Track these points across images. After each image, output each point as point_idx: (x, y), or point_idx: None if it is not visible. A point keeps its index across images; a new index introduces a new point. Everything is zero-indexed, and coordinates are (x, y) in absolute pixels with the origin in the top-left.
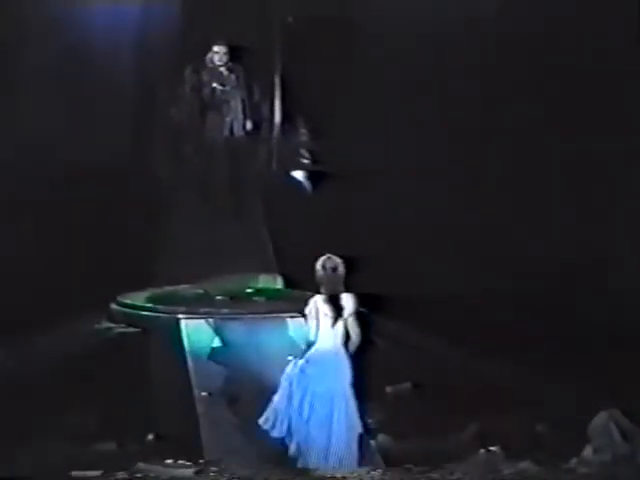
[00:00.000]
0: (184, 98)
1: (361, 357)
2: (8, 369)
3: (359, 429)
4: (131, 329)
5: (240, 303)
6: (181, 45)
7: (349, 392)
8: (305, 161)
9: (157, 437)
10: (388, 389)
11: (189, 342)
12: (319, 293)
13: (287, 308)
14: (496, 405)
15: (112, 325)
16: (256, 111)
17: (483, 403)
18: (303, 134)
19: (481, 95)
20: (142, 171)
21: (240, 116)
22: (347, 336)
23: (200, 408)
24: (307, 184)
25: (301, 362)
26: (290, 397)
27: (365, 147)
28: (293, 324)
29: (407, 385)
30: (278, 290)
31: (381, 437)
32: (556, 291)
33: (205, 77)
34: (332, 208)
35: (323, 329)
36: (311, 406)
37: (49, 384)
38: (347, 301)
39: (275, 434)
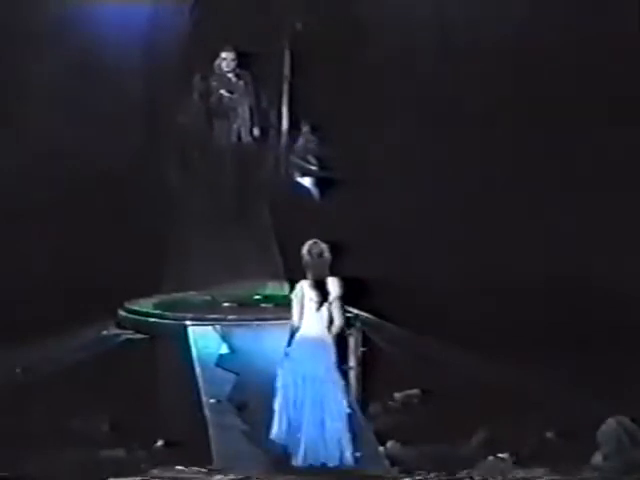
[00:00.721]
0: (192, 105)
1: (370, 363)
2: (16, 375)
3: (347, 409)
4: (139, 335)
5: (248, 310)
6: (189, 52)
7: (335, 374)
8: (313, 168)
9: (166, 444)
10: (397, 395)
11: (197, 349)
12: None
13: None
14: (505, 412)
15: (120, 331)
16: (264, 117)
17: (492, 410)
18: (311, 140)
19: (491, 105)
20: (150, 178)
21: (248, 123)
22: (331, 320)
23: (209, 415)
24: (315, 191)
25: (288, 350)
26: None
27: (374, 153)
28: None
29: (416, 391)
30: (286, 297)
31: (390, 444)
32: (565, 296)
33: (213, 84)
34: (340, 215)
35: (308, 313)
36: (299, 390)
37: (58, 390)
38: (333, 286)
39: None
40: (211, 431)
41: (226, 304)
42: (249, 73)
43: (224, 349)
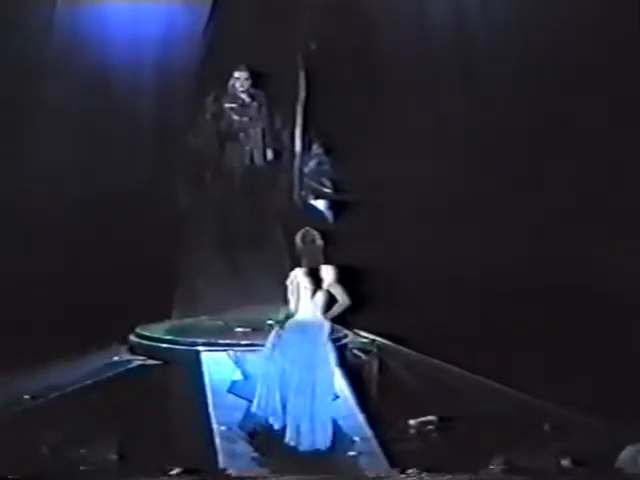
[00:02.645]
0: (204, 126)
1: (384, 389)
2: (25, 402)
3: (337, 394)
4: (151, 361)
5: (261, 335)
6: (202, 72)
7: (330, 359)
8: (327, 190)
9: (176, 472)
10: (412, 422)
11: (209, 375)
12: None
13: None
14: (522, 439)
15: (132, 357)
16: (277, 139)
17: (509, 437)
18: (325, 163)
19: (509, 126)
20: (161, 200)
21: (260, 144)
22: (329, 306)
23: (219, 442)
24: (329, 214)
25: (282, 333)
26: (273, 368)
27: (389, 176)
28: None
29: (432, 418)
30: None
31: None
32: (585, 324)
33: (226, 104)
34: (355, 238)
35: (303, 301)
36: (288, 374)
37: (67, 417)
38: (326, 273)
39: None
40: (221, 459)
41: (239, 329)
42: (263, 93)
43: (237, 375)
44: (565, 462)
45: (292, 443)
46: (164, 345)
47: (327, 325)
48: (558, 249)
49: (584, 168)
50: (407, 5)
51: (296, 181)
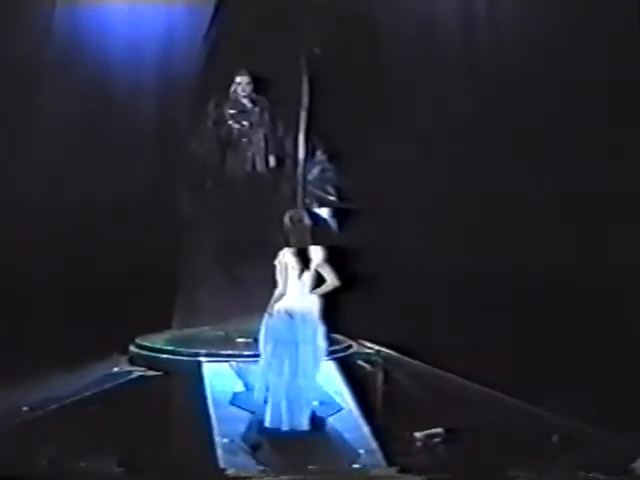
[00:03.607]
0: (206, 133)
1: (389, 400)
2: (23, 414)
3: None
4: (151, 372)
5: None
6: (204, 78)
7: (318, 339)
8: (331, 198)
9: None
10: (418, 435)
11: (211, 386)
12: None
13: None
14: (531, 451)
15: (132, 368)
16: (280, 146)
17: (518, 449)
18: (328, 170)
19: (516, 132)
20: (162, 208)
21: (263, 151)
22: (318, 286)
23: (222, 455)
24: (333, 222)
25: (271, 312)
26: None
27: (394, 183)
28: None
29: (439, 430)
30: None
31: None
32: (594, 334)
33: (227, 110)
34: (359, 247)
35: (291, 281)
36: (279, 354)
37: (66, 429)
38: (315, 253)
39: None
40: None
41: (241, 340)
42: (265, 99)
43: (239, 387)
44: (580, 474)
45: (274, 424)
46: (165, 356)
47: (316, 304)
48: (570, 257)
49: (591, 169)
50: (413, 9)
51: (299, 188)
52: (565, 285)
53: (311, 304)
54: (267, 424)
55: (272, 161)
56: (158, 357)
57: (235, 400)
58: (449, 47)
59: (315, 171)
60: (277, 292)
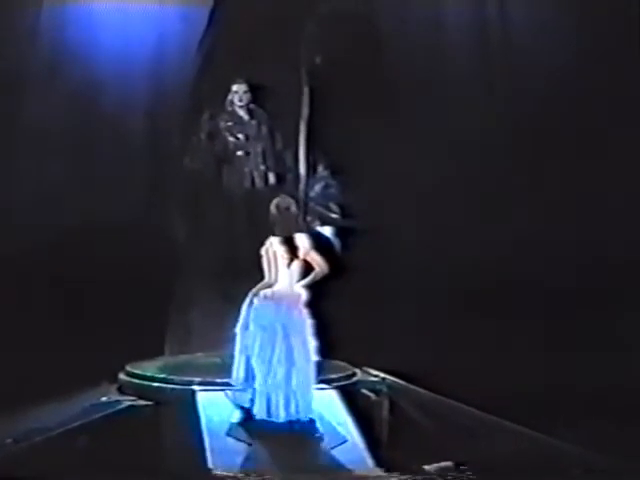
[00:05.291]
0: (200, 147)
1: (396, 432)
2: (7, 446)
3: (315, 358)
4: (142, 402)
5: None
6: (198, 88)
7: (304, 327)
8: (334, 216)
9: None
10: (427, 467)
11: (206, 416)
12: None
13: None
14: None
15: (121, 397)
16: (279, 161)
17: None
18: (331, 186)
19: (525, 149)
20: (153, 229)
21: (261, 166)
22: (306, 275)
23: None
24: (336, 241)
25: (257, 301)
26: (249, 340)
27: (402, 200)
28: (321, 396)
29: (448, 464)
30: None
31: None
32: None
33: (223, 123)
34: (364, 267)
35: (280, 270)
36: (265, 343)
37: (52, 462)
38: (301, 241)
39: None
40: None
41: None
42: (263, 111)
43: (235, 417)
44: None
45: (269, 416)
46: (156, 384)
47: (304, 294)
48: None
49: (602, 177)
50: (420, 18)
51: (301, 206)
52: (584, 306)
53: (299, 294)
54: (256, 416)
55: (271, 177)
56: (149, 385)
57: (232, 431)
58: (460, 58)
59: (317, 188)
60: (264, 282)
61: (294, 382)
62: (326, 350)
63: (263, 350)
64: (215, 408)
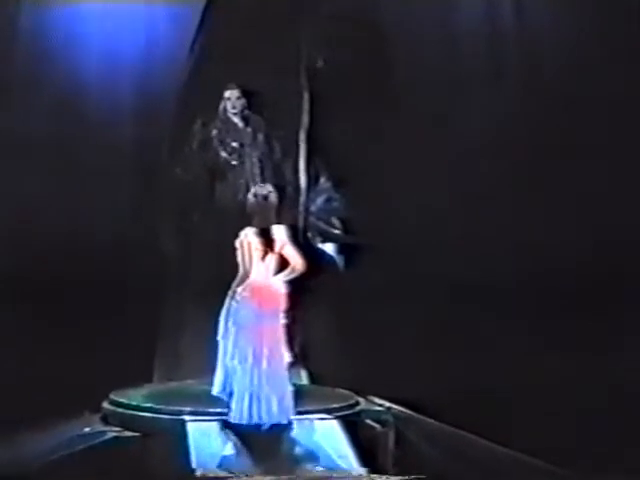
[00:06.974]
0: (192, 157)
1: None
2: None
3: (289, 357)
4: (128, 433)
5: None
6: (189, 94)
7: (280, 323)
8: (336, 231)
9: None
10: None
11: (196, 448)
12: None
13: (313, 407)
14: None
15: (105, 428)
16: (277, 172)
17: None
18: (334, 199)
19: (534, 161)
20: (141, 245)
21: (257, 178)
22: (282, 268)
23: None
24: (339, 258)
25: (234, 295)
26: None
27: (406, 214)
28: (321, 427)
29: None
30: (302, 387)
31: None
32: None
33: (215, 131)
34: (368, 287)
35: (255, 262)
36: (241, 340)
37: None
38: (278, 233)
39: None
40: None
41: None
42: (259, 118)
43: (228, 449)
44: None
45: (242, 420)
46: (143, 414)
47: (280, 289)
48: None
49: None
50: (425, 20)
51: (301, 221)
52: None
53: (277, 289)
54: (232, 419)
55: (269, 189)
56: (135, 415)
57: (224, 464)
58: (467, 61)
59: (319, 201)
60: (239, 276)
61: (269, 383)
62: (326, 377)
63: (240, 350)
64: (206, 439)
